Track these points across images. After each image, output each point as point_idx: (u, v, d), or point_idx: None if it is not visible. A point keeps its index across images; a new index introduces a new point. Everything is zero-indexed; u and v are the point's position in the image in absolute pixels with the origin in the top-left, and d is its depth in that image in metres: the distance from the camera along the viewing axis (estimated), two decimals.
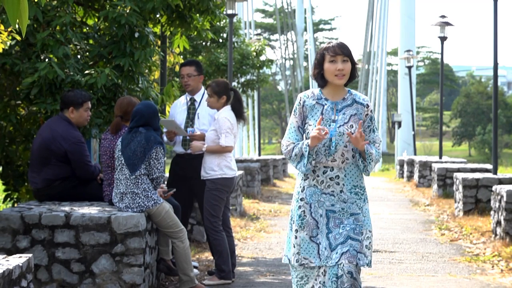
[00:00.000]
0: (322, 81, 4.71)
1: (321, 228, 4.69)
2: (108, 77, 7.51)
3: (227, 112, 7.44)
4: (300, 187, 4.75)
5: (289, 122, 4.78)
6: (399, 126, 32.31)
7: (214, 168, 7.42)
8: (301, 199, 4.73)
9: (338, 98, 4.73)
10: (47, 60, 7.41)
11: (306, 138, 4.69)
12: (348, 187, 4.69)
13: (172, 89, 8.83)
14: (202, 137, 7.62)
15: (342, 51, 4.66)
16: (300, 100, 4.73)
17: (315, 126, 4.62)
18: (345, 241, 4.63)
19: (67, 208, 6.55)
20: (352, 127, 4.66)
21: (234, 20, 15.76)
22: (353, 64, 4.70)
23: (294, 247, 4.72)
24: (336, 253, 4.62)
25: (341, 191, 4.68)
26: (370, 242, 4.68)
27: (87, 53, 8.14)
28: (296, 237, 4.72)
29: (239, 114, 7.51)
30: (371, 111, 4.76)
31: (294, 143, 4.70)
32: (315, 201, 4.69)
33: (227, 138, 7.38)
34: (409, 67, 27.65)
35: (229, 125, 7.39)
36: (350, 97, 4.74)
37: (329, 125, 4.66)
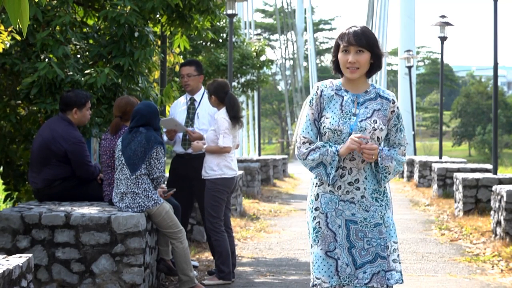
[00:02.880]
0: (338, 71, 4.20)
1: (340, 241, 4.11)
2: (108, 76, 7.51)
3: (226, 113, 7.42)
4: (314, 194, 4.19)
5: (303, 115, 4.15)
6: None
7: (214, 168, 7.42)
8: (315, 209, 4.16)
9: (360, 91, 4.18)
10: (46, 60, 7.41)
11: (321, 133, 4.17)
12: (370, 191, 4.13)
13: (172, 90, 8.83)
14: (199, 137, 7.63)
15: (356, 40, 4.08)
16: (317, 89, 4.19)
17: (333, 118, 4.10)
18: (374, 260, 4.11)
19: (67, 208, 6.54)
20: (376, 122, 4.10)
21: (234, 20, 15.76)
22: (374, 54, 4.13)
23: (311, 264, 4.19)
24: (365, 272, 4.10)
25: (362, 197, 4.12)
26: (398, 255, 4.15)
27: (87, 53, 8.14)
28: (311, 253, 4.18)
29: (233, 118, 7.44)
30: (397, 107, 4.20)
31: (310, 141, 4.15)
32: (331, 210, 4.13)
33: (225, 139, 7.36)
34: (409, 67, 27.64)
35: (227, 125, 7.38)
36: (373, 91, 4.19)
37: (349, 119, 4.11)
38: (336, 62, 4.19)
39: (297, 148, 4.23)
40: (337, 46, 4.17)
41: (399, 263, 4.16)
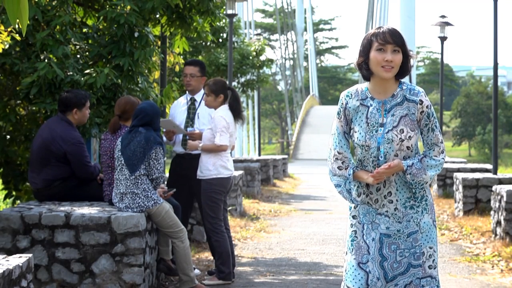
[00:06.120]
0: (367, 71, 4.04)
1: (372, 254, 4.04)
2: (108, 77, 7.51)
3: (223, 111, 7.43)
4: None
5: (333, 125, 4.15)
6: None
7: (209, 168, 7.40)
8: (353, 217, 4.12)
9: (387, 95, 4.05)
10: (46, 60, 7.40)
11: (354, 145, 4.11)
12: (402, 202, 4.06)
13: (172, 91, 8.83)
14: (200, 136, 7.63)
15: (394, 39, 3.97)
16: (343, 101, 4.10)
17: (360, 133, 4.03)
18: (406, 270, 4.04)
19: (67, 208, 6.54)
20: (403, 132, 4.00)
21: (234, 20, 15.75)
22: (406, 56, 4.02)
23: (344, 272, 4.13)
24: (396, 285, 4.04)
25: (395, 209, 4.05)
26: (434, 260, 4.07)
27: (87, 53, 8.14)
28: (345, 260, 4.13)
29: (237, 113, 7.48)
30: (427, 106, 4.03)
31: (345, 156, 4.09)
32: (368, 222, 4.07)
33: (222, 137, 7.35)
34: None
35: (225, 124, 7.37)
36: (400, 93, 4.05)
37: (376, 131, 4.02)
38: (364, 63, 4.04)
39: (330, 163, 4.15)
40: (369, 44, 4.02)
41: (435, 268, 4.08)
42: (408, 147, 4.05)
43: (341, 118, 4.10)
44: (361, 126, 4.05)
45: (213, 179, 7.40)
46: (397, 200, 4.05)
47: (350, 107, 4.08)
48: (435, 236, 4.10)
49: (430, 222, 4.08)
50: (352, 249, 4.07)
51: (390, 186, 4.05)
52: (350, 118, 4.09)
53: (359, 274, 4.03)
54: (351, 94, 4.10)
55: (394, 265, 4.04)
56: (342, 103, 4.10)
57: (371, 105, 4.06)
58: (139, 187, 6.52)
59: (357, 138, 4.05)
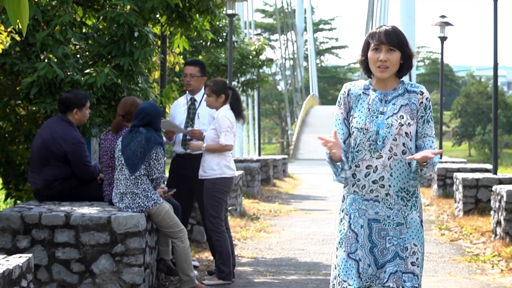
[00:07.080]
0: (367, 70, 4.13)
1: (361, 242, 4.04)
2: (108, 76, 7.51)
3: (226, 111, 7.44)
4: (342, 196, 4.17)
5: (334, 114, 4.16)
6: None
7: (214, 167, 7.41)
8: (342, 211, 4.13)
9: (388, 89, 4.13)
10: (46, 60, 7.40)
11: (351, 133, 4.13)
12: (395, 189, 4.05)
13: (171, 91, 8.83)
14: (201, 134, 7.63)
15: (388, 39, 4.02)
16: (345, 89, 4.15)
17: (360, 118, 4.06)
18: (393, 259, 4.05)
19: (67, 208, 6.54)
20: (403, 118, 4.04)
21: (234, 20, 15.75)
22: (405, 54, 4.06)
23: (335, 268, 4.11)
24: (385, 272, 4.05)
25: (386, 194, 4.04)
26: (417, 258, 4.08)
27: (87, 53, 8.14)
28: (336, 256, 4.12)
29: (238, 112, 7.50)
30: (426, 99, 4.10)
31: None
32: (355, 211, 4.06)
33: (227, 137, 7.37)
34: None
35: (229, 123, 7.39)
36: (402, 87, 4.12)
37: (376, 117, 4.05)
38: (365, 62, 4.12)
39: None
40: (367, 45, 4.10)
41: (418, 266, 4.08)
42: (406, 134, 4.07)
43: (341, 105, 4.15)
44: (361, 112, 4.09)
45: (217, 179, 7.41)
46: (389, 186, 4.04)
47: (352, 94, 4.14)
48: (421, 236, 4.10)
49: (417, 220, 4.09)
50: (342, 242, 4.08)
51: (384, 171, 4.04)
52: (350, 106, 4.14)
53: (350, 264, 4.04)
54: (354, 84, 4.18)
55: (384, 251, 4.05)
56: (344, 91, 4.16)
57: (373, 94, 4.13)
58: (139, 187, 6.52)
59: (357, 121, 4.08)
